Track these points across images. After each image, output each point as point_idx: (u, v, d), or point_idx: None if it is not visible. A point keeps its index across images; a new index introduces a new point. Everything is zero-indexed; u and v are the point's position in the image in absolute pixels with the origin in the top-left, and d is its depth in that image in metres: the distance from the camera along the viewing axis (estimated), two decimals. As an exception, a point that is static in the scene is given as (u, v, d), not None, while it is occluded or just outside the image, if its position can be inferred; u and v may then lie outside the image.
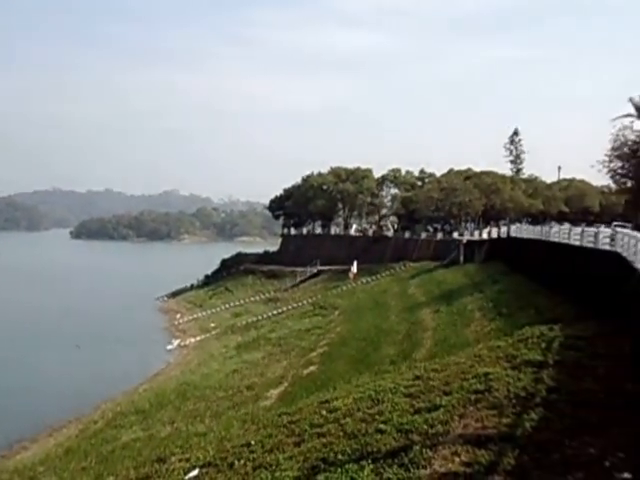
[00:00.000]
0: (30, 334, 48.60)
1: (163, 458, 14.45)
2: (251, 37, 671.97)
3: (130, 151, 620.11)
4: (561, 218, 62.53)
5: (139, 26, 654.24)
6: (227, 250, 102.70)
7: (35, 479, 17.70)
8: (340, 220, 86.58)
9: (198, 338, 47.39)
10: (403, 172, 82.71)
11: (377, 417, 10.50)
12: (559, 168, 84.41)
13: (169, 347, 45.67)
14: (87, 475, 15.93)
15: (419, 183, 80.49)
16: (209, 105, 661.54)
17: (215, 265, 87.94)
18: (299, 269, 66.82)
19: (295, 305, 52.04)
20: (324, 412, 12.43)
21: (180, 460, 13.54)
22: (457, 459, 7.60)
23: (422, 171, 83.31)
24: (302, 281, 64.23)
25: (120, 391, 32.84)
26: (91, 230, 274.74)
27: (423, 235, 67.44)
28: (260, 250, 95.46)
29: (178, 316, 59.91)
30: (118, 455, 18.25)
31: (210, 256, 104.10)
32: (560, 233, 27.52)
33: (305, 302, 51.76)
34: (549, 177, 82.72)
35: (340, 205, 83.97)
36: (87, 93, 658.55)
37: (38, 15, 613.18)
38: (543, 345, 13.28)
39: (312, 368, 25.36)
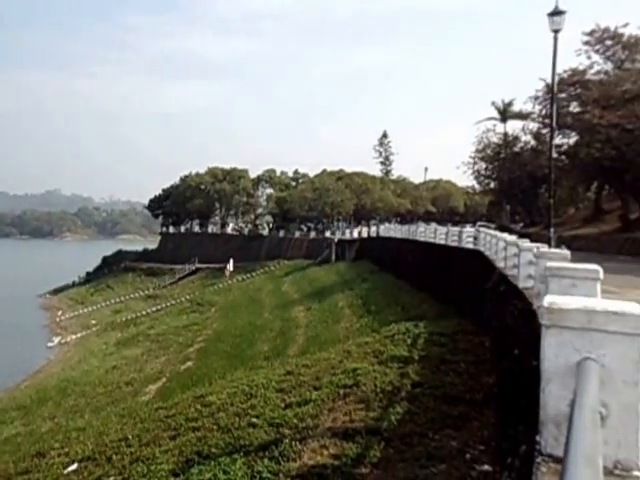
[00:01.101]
0: None
1: (43, 452, 13.85)
2: (128, 42, 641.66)
3: (12, 150, 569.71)
4: (428, 218, 61.72)
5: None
6: (108, 248, 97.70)
7: None
8: (217, 219, 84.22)
9: (79, 335, 44.86)
10: (278, 172, 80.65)
11: (250, 411, 10.28)
12: (426, 169, 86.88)
13: (50, 344, 42.81)
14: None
15: (293, 183, 78.49)
16: (91, 107, 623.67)
17: (96, 263, 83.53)
18: (178, 267, 65.24)
19: (173, 302, 50.76)
20: (199, 406, 12.27)
21: (59, 455, 13.05)
22: (326, 452, 7.51)
23: (296, 172, 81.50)
24: (180, 278, 62.77)
25: (1, 388, 30.51)
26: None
27: (297, 234, 66.28)
28: (140, 248, 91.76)
29: (59, 313, 56.25)
30: (-3, 451, 17.16)
31: (91, 254, 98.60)
32: (426, 232, 26.40)
33: (183, 299, 50.66)
34: (417, 178, 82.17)
35: (217, 204, 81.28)
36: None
37: None
38: (409, 341, 12.94)
39: (189, 364, 25.04)
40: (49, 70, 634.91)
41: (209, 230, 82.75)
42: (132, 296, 58.82)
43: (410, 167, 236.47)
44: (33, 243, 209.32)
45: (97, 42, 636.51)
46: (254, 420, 9.61)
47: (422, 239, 26.62)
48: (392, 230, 40.87)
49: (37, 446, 15.20)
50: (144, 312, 48.84)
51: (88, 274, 78.47)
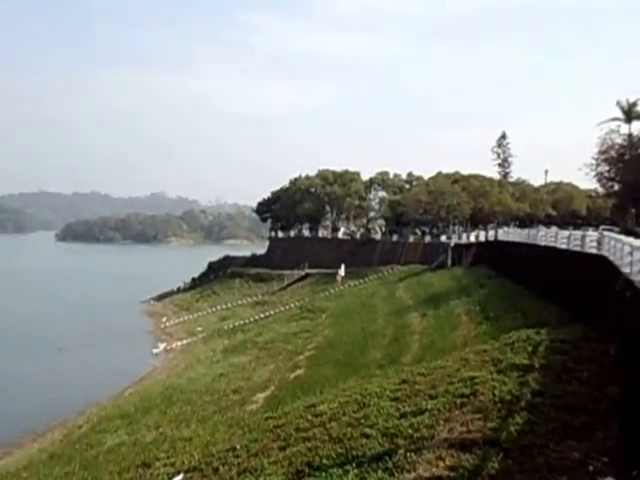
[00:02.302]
0: (14, 340, 48.11)
1: (148, 463, 14.36)
2: (238, 40, 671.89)
3: (117, 153, 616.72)
4: (548, 221, 63.13)
5: (127, 27, 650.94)
6: (214, 253, 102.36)
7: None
8: (328, 223, 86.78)
9: (184, 342, 47.18)
10: (391, 175, 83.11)
11: (363, 421, 10.51)
12: (546, 172, 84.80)
13: (155, 351, 45.42)
14: (71, 480, 15.83)
15: (407, 186, 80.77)
16: (196, 107, 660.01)
17: (202, 268, 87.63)
18: (287, 272, 66.78)
19: (282, 308, 51.97)
20: (310, 416, 12.46)
21: (165, 465, 13.46)
22: (442, 463, 7.62)
23: (410, 174, 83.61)
24: (289, 284, 64.19)
25: (106, 395, 32.61)
26: (77, 232, 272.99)
27: (411, 238, 67.38)
28: (247, 253, 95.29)
29: (164, 319, 59.62)
30: (102, 460, 18.07)
31: (197, 259, 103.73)
32: (547, 236, 27.43)
33: (292, 305, 51.70)
34: (537, 180, 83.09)
35: (328, 208, 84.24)
36: (67, 94, 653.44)
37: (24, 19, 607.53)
38: (529, 349, 13.29)
39: (299, 372, 25.32)
40: (162, 69, 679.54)
41: (319, 234, 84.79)
42: (239, 302, 60.99)
43: (529, 169, 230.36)
44: (137, 248, 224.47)
45: (211, 41, 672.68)
46: (367, 430, 9.84)
47: (542, 243, 27.52)
48: (511, 234, 42.15)
49: (142, 456, 15.80)
50: (252, 319, 50.38)
51: (193, 280, 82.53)
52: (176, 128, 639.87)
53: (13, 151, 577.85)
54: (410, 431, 9.12)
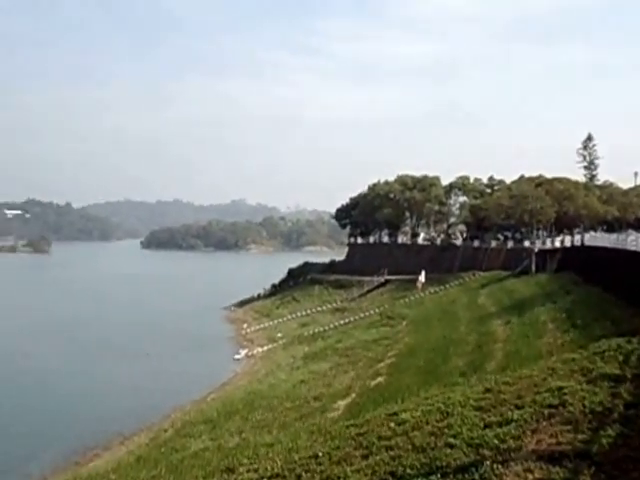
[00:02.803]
0: (100, 345, 50.59)
1: (232, 468, 14.66)
2: (316, 46, 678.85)
3: (198, 160, 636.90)
4: (639, 225, 60.87)
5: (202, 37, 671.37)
6: (294, 260, 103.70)
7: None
8: (407, 229, 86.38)
9: (265, 348, 48.06)
10: (471, 179, 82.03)
11: (446, 431, 10.32)
12: (636, 174, 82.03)
13: (237, 357, 46.53)
14: (158, 483, 16.45)
15: (488, 190, 79.63)
16: (273, 115, 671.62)
17: (282, 275, 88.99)
18: (366, 278, 66.81)
19: (362, 315, 52.04)
20: (392, 425, 12.35)
21: (248, 470, 13.71)
22: (530, 476, 7.43)
23: (491, 178, 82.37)
24: (369, 291, 64.18)
25: (189, 400, 33.69)
26: (160, 240, 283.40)
27: (493, 244, 66.29)
28: (327, 259, 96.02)
29: (245, 325, 60.95)
30: (187, 464, 18.68)
31: (276, 266, 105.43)
32: (638, 241, 26.73)
33: (372, 312, 51.68)
34: (626, 183, 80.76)
35: (407, 213, 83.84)
36: (150, 105, 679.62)
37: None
38: (620, 358, 12.89)
39: (380, 379, 25.28)
40: (244, 77, 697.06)
41: (399, 240, 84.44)
42: (319, 309, 61.51)
43: (617, 172, 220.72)
44: (218, 255, 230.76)
45: (288, 48, 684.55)
46: (451, 440, 9.64)
47: (632, 248, 26.76)
48: (598, 239, 41.45)
49: (226, 461, 16.14)
50: (331, 325, 50.72)
51: (273, 286, 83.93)
52: (255, 135, 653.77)
53: (98, 162, 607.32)
54: (496, 442, 8.89)
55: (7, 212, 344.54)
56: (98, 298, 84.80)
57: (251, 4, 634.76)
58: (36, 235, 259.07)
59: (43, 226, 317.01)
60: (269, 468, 12.98)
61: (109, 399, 34.40)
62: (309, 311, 61.54)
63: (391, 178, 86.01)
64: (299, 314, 61.32)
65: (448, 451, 9.08)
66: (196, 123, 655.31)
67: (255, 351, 47.41)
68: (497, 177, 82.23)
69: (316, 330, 50.25)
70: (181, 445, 23.04)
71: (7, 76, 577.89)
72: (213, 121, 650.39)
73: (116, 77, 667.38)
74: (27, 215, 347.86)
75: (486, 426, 9.99)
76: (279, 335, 52.69)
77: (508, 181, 77.82)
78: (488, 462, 8.07)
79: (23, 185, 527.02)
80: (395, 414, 13.40)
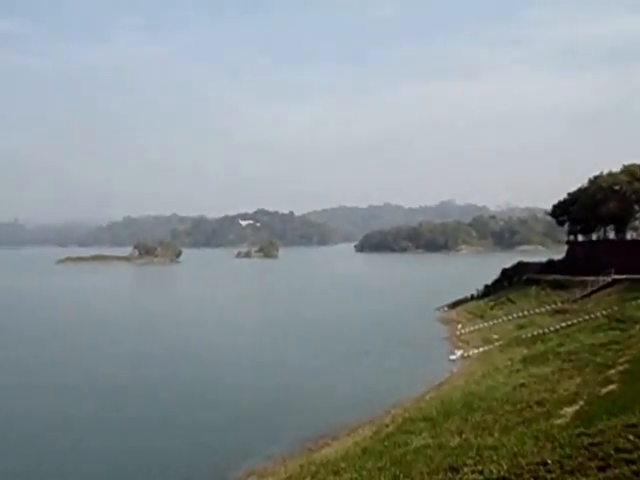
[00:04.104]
0: (323, 342, 53.41)
1: (456, 467, 14.53)
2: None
3: (408, 164, 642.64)
4: None
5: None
6: (506, 260, 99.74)
7: (338, 474, 19.24)
8: (637, 224, 78.09)
9: (481, 349, 46.83)
10: None
11: None
12: None
13: (452, 357, 46.00)
14: (384, 475, 16.76)
15: None
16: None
17: (494, 275, 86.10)
18: (589, 278, 61.79)
19: (586, 317, 48.23)
20: (631, 437, 11.41)
21: (473, 472, 13.49)
22: None
23: None
24: (593, 291, 59.24)
25: (407, 397, 34.06)
26: (373, 243, 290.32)
27: None
28: (542, 259, 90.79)
29: (459, 326, 59.93)
30: (410, 459, 18.85)
31: (488, 266, 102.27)
32: None
33: (598, 314, 47.65)
34: None
35: (637, 207, 75.73)
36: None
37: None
38: None
39: (611, 387, 23.20)
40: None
41: (627, 237, 76.70)
42: (536, 310, 58.36)
43: None
44: (428, 256, 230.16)
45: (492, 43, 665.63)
46: None
47: None
48: None
49: (449, 460, 16.06)
50: (551, 328, 47.86)
51: (486, 287, 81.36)
52: (462, 135, 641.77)
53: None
54: None
55: (241, 222, 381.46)
56: (319, 299, 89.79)
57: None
58: (265, 241, 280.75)
59: (271, 233, 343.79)
60: (494, 471, 12.66)
61: (335, 393, 36.17)
62: (526, 312, 58.62)
63: (615, 169, 78.60)
64: (515, 315, 58.71)
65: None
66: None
67: (471, 352, 46.42)
68: None
69: (535, 332, 47.70)
70: (402, 441, 23.30)
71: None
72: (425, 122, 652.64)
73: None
74: (257, 224, 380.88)
75: None
76: (495, 337, 50.98)
77: None
78: None
79: (253, 198, 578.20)
80: (634, 426, 12.36)
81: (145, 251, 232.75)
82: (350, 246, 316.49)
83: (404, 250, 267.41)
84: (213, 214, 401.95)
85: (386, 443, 23.45)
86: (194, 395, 36.70)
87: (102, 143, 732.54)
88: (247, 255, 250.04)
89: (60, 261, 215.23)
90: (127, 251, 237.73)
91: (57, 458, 27.13)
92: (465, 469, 14.21)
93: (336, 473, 19.42)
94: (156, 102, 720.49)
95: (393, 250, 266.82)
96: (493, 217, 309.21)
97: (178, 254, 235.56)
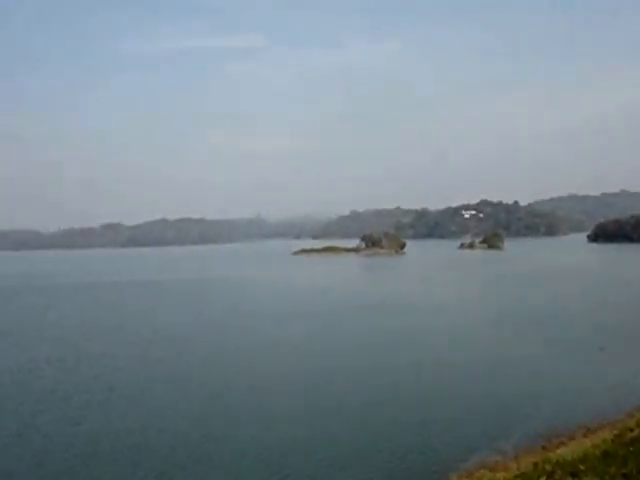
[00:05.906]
0: (556, 338, 50.27)
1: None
2: None
3: None
4: None
5: None
6: None
7: (577, 477, 17.99)
8: None
9: None
10: None
11: None
12: None
13: None
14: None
15: None
16: None
17: None
18: None
19: None
20: None
21: None
22: None
23: None
24: None
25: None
26: (607, 233, 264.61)
27: None
28: None
29: None
30: None
31: None
32: None
33: None
34: None
35: None
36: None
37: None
38: None
39: None
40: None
41: None
42: None
43: None
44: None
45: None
46: None
47: None
48: None
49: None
50: None
51: None
52: None
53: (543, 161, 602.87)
54: None
55: (464, 213, 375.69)
56: (556, 293, 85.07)
57: None
58: (489, 232, 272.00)
59: (494, 224, 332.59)
60: None
61: (568, 390, 33.84)
62: None
63: None
64: None
65: None
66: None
67: None
68: None
69: None
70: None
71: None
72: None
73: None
74: (480, 215, 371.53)
75: None
76: None
77: None
78: None
79: (476, 188, 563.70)
80: None
81: (371, 243, 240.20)
82: (581, 236, 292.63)
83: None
84: (436, 206, 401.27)
85: (631, 448, 21.31)
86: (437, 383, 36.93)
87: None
88: (470, 246, 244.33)
89: (295, 253, 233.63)
90: (354, 243, 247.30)
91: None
92: None
93: (574, 476, 18.20)
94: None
95: (632, 240, 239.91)
96: None
97: (402, 245, 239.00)
